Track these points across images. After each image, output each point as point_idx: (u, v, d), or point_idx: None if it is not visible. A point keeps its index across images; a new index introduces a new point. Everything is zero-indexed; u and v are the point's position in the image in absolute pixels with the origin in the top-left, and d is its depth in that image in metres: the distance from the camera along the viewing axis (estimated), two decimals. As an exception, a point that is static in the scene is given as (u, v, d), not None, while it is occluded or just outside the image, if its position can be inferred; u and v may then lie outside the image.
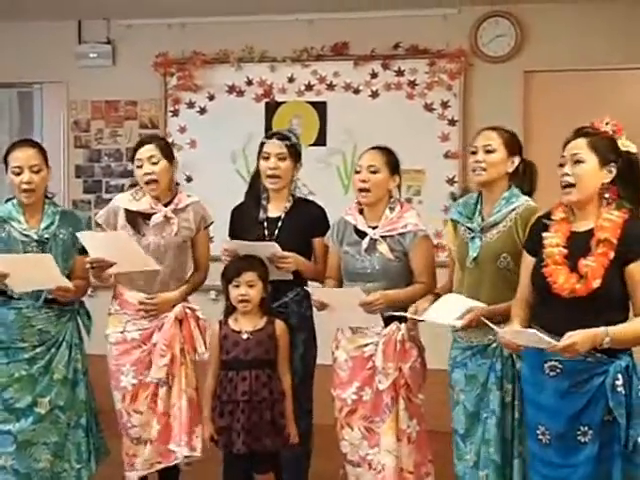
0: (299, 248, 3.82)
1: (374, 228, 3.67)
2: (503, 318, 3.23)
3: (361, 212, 3.75)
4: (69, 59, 5.93)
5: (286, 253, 3.73)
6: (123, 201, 3.87)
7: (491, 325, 3.00)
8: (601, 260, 2.82)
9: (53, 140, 6.02)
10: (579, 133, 2.95)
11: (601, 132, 2.93)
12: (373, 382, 3.61)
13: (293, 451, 3.78)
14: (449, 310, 3.29)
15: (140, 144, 3.86)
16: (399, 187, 3.77)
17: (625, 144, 2.92)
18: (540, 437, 2.97)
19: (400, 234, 3.64)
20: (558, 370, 2.89)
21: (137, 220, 3.80)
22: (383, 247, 3.63)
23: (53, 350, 3.72)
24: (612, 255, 2.82)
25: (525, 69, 5.46)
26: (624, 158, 2.91)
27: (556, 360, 2.86)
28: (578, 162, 2.90)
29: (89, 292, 3.99)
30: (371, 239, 3.65)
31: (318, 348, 4.00)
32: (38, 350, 3.69)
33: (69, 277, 3.69)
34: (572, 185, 2.90)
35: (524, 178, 3.47)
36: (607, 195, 2.90)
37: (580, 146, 2.91)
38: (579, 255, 2.86)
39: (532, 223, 3.15)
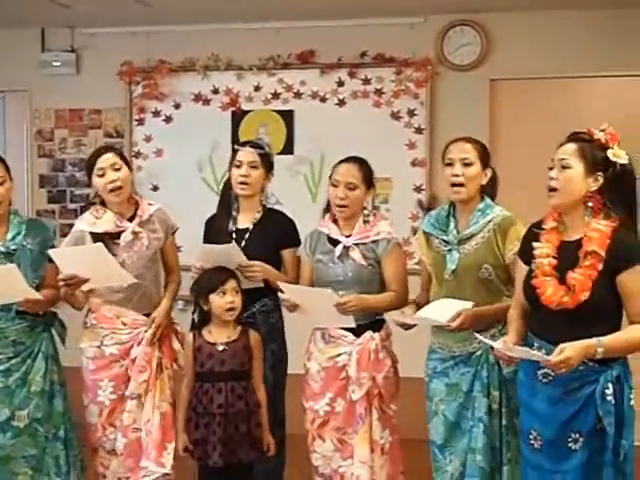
0: (267, 259, 3.80)
1: (347, 237, 3.67)
2: (493, 320, 3.30)
3: (335, 221, 3.74)
4: (33, 67, 5.86)
5: (252, 262, 3.72)
6: (87, 224, 3.77)
7: (486, 340, 3.05)
8: (589, 272, 2.82)
9: (16, 149, 5.97)
10: (571, 138, 2.94)
11: (593, 140, 2.90)
12: (346, 393, 3.61)
13: (267, 462, 3.75)
14: (440, 312, 3.28)
15: (98, 153, 3.79)
16: (372, 198, 3.78)
17: (616, 154, 2.88)
18: (532, 442, 2.98)
19: (373, 242, 3.65)
20: (550, 377, 2.90)
21: (105, 241, 3.66)
22: (356, 254, 3.63)
23: (29, 362, 3.67)
24: (601, 266, 2.81)
25: (491, 77, 5.48)
26: (613, 168, 2.87)
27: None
28: (565, 168, 2.89)
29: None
30: (344, 247, 3.65)
31: (289, 357, 3.99)
32: (13, 362, 3.64)
33: (39, 287, 3.64)
34: (556, 189, 2.91)
35: (488, 185, 3.47)
36: (590, 204, 2.89)
37: (569, 152, 2.90)
38: (568, 266, 2.87)
39: (525, 232, 3.15)
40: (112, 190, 3.72)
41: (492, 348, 3.07)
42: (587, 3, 5.14)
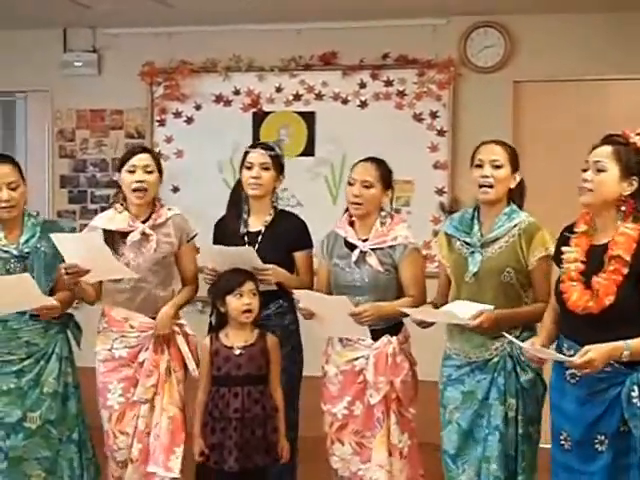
0: (280, 262, 3.79)
1: (364, 241, 3.64)
2: (511, 325, 3.26)
3: (352, 224, 3.71)
4: (54, 68, 5.86)
5: (266, 265, 3.70)
6: (101, 221, 3.79)
7: (515, 340, 3.06)
8: (613, 277, 2.80)
9: (37, 150, 5.98)
10: (607, 140, 2.92)
11: (629, 143, 2.87)
12: (364, 396, 3.58)
13: (280, 466, 3.71)
14: (461, 310, 3.25)
15: (135, 151, 3.81)
16: (391, 200, 3.74)
17: None
18: (562, 442, 2.98)
19: (390, 247, 3.62)
20: (577, 378, 2.90)
21: (114, 239, 3.68)
22: (373, 259, 3.60)
23: (42, 363, 3.66)
24: (626, 270, 2.79)
25: (514, 79, 5.43)
26: None
27: None
28: (600, 171, 2.86)
29: (74, 304, 3.86)
30: (361, 252, 3.62)
31: (304, 359, 3.96)
32: (26, 363, 3.63)
33: (53, 290, 3.63)
34: (590, 190, 2.88)
35: (515, 193, 3.44)
36: (623, 208, 2.86)
37: (604, 154, 2.88)
38: (595, 270, 2.85)
39: (558, 236, 3.12)
40: (136, 190, 3.72)
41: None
42: (612, 6, 5.07)
